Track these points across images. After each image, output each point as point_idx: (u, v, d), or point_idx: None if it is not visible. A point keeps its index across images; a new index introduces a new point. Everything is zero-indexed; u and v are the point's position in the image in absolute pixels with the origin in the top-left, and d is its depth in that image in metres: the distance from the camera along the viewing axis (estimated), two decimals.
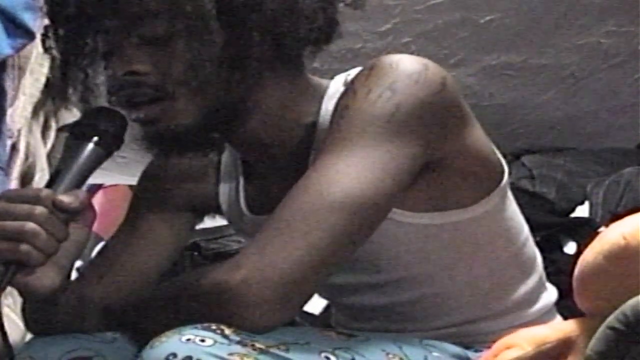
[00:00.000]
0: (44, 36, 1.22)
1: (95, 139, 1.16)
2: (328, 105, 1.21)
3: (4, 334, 1.12)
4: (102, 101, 1.22)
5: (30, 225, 1.08)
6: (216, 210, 1.37)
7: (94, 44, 1.19)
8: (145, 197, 1.37)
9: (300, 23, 1.16)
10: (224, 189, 1.35)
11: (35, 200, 1.09)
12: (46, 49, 1.23)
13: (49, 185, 1.14)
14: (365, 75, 1.15)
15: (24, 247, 1.08)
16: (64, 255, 1.12)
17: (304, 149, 1.22)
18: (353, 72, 1.21)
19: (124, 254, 1.33)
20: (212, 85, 1.15)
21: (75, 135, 1.17)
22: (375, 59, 1.17)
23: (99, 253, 1.38)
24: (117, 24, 1.15)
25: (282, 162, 1.24)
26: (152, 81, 1.15)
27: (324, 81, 1.25)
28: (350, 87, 1.16)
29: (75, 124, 1.20)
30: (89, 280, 1.31)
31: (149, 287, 1.29)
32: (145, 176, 1.39)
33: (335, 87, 1.23)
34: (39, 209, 1.09)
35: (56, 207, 1.10)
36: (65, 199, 1.10)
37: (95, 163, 1.16)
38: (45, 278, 1.11)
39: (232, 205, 1.34)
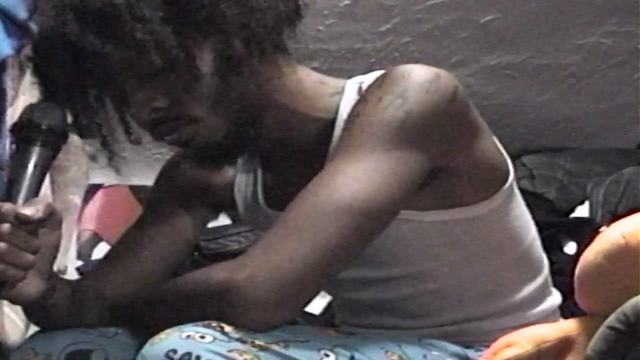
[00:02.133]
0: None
1: (40, 140, 1.15)
2: (344, 109, 1.23)
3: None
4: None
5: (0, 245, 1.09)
6: (230, 205, 1.39)
7: (101, 99, 1.20)
8: (164, 192, 1.39)
9: (263, 15, 1.18)
10: (240, 183, 1.37)
11: None
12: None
13: (8, 195, 1.13)
14: (378, 84, 1.17)
15: (0, 266, 1.09)
16: (42, 261, 1.14)
17: (321, 145, 1.23)
18: (367, 79, 1.22)
19: (139, 247, 1.34)
20: (223, 95, 1.17)
21: (18, 140, 1.16)
22: (389, 69, 1.18)
23: (113, 248, 1.39)
24: (103, 78, 1.16)
25: (300, 157, 1.26)
26: (174, 112, 1.18)
27: (331, 79, 1.27)
28: (363, 96, 1.18)
29: (16, 126, 1.17)
30: (101, 273, 1.32)
31: (161, 282, 1.30)
32: (165, 171, 1.42)
33: (351, 91, 1.24)
34: (4, 227, 1.09)
35: (20, 221, 1.10)
36: (27, 211, 1.10)
37: (46, 164, 1.16)
38: (29, 287, 1.14)
39: (249, 198, 1.35)
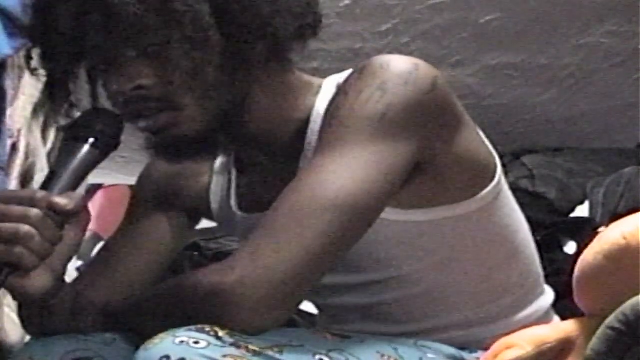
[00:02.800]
0: (28, 58, 1.21)
1: (91, 140, 1.16)
2: (321, 105, 1.21)
3: None
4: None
5: (25, 228, 1.08)
6: (206, 211, 1.37)
7: (86, 63, 1.18)
8: (143, 198, 1.38)
9: (291, 21, 1.17)
10: (216, 187, 1.36)
11: (31, 202, 1.10)
12: (32, 71, 1.22)
13: (45, 186, 1.14)
14: (356, 77, 1.16)
15: (18, 249, 1.08)
16: (57, 258, 1.13)
17: (295, 147, 1.22)
18: (345, 74, 1.21)
19: (123, 254, 1.34)
20: (216, 90, 1.15)
21: (71, 136, 1.17)
22: (366, 61, 1.17)
23: (98, 253, 1.38)
24: (111, 41, 1.14)
25: (274, 160, 1.24)
26: (158, 93, 1.15)
27: (315, 79, 1.26)
28: (341, 89, 1.17)
29: (72, 125, 1.19)
30: (88, 280, 1.31)
31: (148, 287, 1.29)
32: (143, 177, 1.40)
33: (328, 88, 1.23)
34: (34, 212, 1.09)
35: (51, 210, 1.10)
36: (60, 201, 1.10)
37: (91, 164, 1.16)
38: (38, 280, 1.12)
39: (223, 203, 1.34)
